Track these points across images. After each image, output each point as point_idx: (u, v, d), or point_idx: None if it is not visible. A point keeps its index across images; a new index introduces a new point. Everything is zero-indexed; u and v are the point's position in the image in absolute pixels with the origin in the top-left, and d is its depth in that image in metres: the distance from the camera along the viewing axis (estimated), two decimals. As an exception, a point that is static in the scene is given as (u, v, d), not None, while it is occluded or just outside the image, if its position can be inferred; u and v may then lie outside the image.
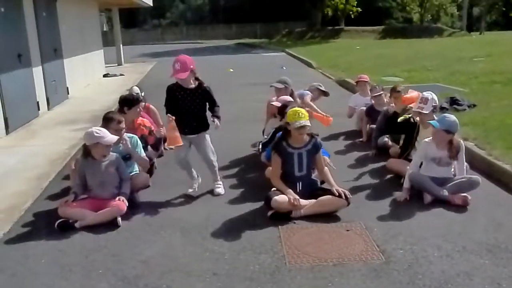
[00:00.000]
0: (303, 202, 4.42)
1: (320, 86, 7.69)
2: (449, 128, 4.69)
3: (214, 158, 5.16)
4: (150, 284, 3.42)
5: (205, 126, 5.05)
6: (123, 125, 4.99)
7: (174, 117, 4.74)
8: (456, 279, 3.35)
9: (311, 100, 7.27)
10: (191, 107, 4.90)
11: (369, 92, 7.59)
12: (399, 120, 5.71)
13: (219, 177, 5.26)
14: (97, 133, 4.50)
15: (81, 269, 3.64)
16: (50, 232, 4.24)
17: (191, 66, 4.73)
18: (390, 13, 48.80)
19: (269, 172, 5.03)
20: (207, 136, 5.11)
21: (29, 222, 4.56)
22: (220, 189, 5.15)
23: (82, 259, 3.78)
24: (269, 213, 4.42)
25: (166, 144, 6.24)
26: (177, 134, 4.76)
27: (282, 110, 5.68)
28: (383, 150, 6.19)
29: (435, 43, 25.63)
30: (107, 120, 4.93)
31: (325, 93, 7.71)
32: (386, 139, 6.24)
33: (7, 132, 8.10)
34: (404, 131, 5.63)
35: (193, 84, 4.90)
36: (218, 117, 4.98)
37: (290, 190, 4.47)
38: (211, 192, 5.17)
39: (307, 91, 7.46)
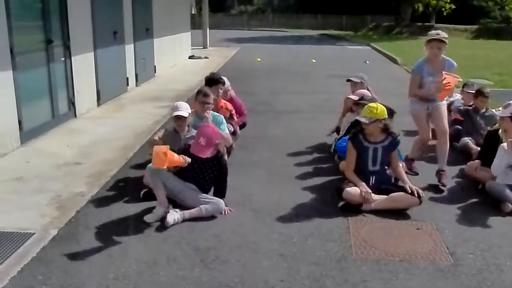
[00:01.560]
0: (374, 196, 4.44)
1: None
2: None
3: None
4: (220, 256, 3.61)
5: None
6: (209, 99, 5.21)
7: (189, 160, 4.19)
8: (527, 290, 3.27)
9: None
10: (199, 176, 4.40)
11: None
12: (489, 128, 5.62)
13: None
14: (175, 105, 4.77)
15: (158, 235, 3.91)
16: (132, 199, 4.56)
17: (217, 141, 4.28)
18: (487, 12, 46.23)
19: (343, 164, 5.09)
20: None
21: (114, 187, 4.92)
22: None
23: (160, 227, 4.05)
24: (340, 204, 4.48)
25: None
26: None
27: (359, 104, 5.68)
28: (463, 153, 6.04)
29: (534, 47, 24.10)
30: (197, 93, 5.30)
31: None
32: (467, 140, 6.07)
33: (98, 104, 8.66)
34: (488, 142, 5.39)
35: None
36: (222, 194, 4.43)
37: (363, 183, 4.51)
38: (285, 176, 5.34)
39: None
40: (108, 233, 3.94)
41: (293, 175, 5.40)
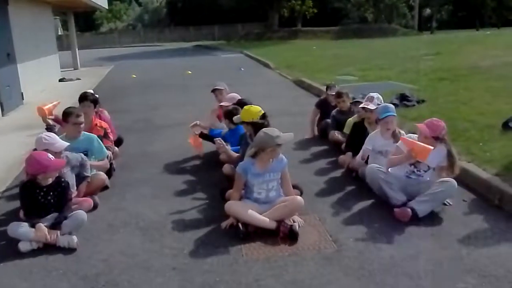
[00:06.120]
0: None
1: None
2: (395, 111, 5.12)
3: None
4: (110, 281, 3.50)
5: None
6: (81, 119, 5.13)
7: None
8: (402, 262, 3.59)
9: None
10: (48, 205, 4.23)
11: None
12: (348, 121, 6.11)
13: None
14: (46, 140, 4.52)
15: (41, 270, 3.69)
16: (7, 236, 4.22)
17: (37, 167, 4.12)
18: (346, 14, 49.76)
19: (226, 168, 5.21)
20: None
21: (-13, 227, 4.55)
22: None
23: (41, 260, 3.82)
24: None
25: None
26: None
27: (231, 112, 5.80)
28: (336, 146, 6.45)
29: (389, 42, 26.36)
30: (66, 115, 5.10)
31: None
32: (337, 135, 6.48)
33: (-40, 139, 7.94)
34: (355, 134, 5.75)
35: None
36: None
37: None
38: (170, 190, 5.31)
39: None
40: (-16, 277, 3.64)
41: (179, 188, 5.38)
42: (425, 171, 4.60)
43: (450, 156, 4.45)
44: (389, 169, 4.67)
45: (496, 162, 5.20)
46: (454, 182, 4.40)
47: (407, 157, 4.44)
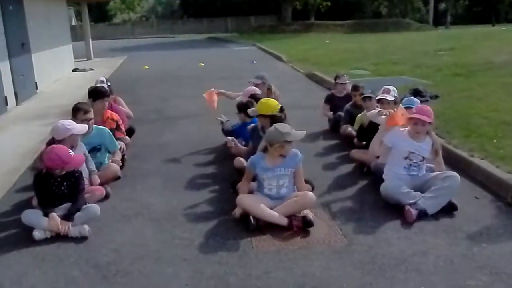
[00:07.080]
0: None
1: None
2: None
3: None
4: (121, 270, 3.53)
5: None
6: (90, 115, 5.09)
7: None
8: (412, 257, 3.57)
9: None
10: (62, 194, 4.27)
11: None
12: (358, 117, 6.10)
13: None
14: (68, 125, 4.57)
15: (53, 258, 3.73)
16: (21, 223, 4.28)
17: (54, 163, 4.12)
18: (360, 7, 49.37)
19: (238, 161, 5.22)
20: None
21: (1, 214, 4.60)
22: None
23: (54, 248, 3.87)
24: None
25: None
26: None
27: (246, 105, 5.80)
28: (347, 140, 6.41)
29: (403, 37, 26.09)
30: (74, 111, 5.08)
31: None
32: (350, 129, 6.45)
33: (-25, 128, 8.03)
34: (367, 128, 5.65)
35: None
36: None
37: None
38: (181, 181, 5.33)
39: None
40: (-3, 263, 3.69)
41: (190, 180, 5.40)
42: (421, 161, 4.60)
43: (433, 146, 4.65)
44: (392, 170, 4.66)
45: (509, 159, 5.15)
46: (457, 177, 4.39)
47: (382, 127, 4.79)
